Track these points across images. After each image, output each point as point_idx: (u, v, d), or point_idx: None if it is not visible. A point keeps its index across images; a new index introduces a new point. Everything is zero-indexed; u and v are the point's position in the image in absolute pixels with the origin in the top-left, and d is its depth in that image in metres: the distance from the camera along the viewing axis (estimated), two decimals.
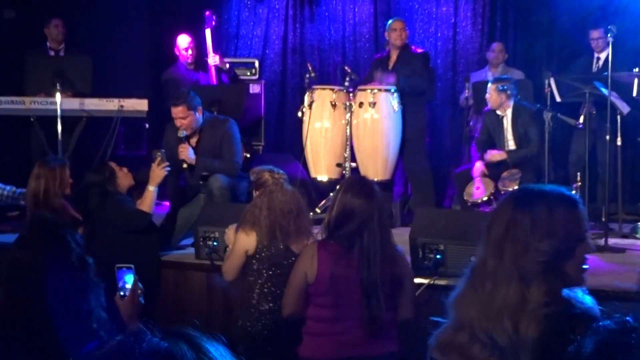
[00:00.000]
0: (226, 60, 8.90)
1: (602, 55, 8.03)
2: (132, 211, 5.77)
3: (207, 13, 8.75)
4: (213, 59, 8.52)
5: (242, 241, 4.58)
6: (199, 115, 6.56)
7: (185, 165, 6.57)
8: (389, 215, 7.88)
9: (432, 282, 5.22)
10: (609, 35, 6.83)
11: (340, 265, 3.83)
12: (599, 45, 8.06)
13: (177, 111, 6.44)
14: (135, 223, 5.76)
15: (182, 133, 6.49)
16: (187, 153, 6.50)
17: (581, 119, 7.42)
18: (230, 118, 6.89)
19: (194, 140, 6.66)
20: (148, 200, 5.82)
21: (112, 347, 1.27)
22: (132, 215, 5.75)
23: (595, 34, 8.11)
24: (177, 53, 8.62)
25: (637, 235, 6.87)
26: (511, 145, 7.61)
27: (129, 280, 3.26)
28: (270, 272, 4.51)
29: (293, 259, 4.39)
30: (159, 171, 5.91)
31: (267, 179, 4.88)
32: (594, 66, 8.20)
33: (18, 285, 2.56)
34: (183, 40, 8.57)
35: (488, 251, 2.26)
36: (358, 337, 3.86)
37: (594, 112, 7.67)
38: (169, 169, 5.98)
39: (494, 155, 7.49)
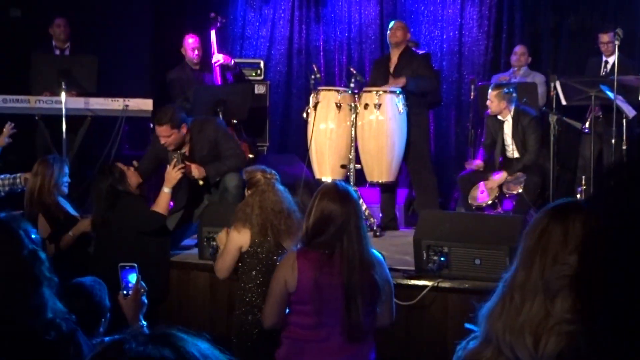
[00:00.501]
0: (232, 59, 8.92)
1: (611, 59, 8.01)
2: (147, 213, 5.77)
3: (212, 14, 8.76)
4: (216, 58, 8.52)
5: (235, 239, 4.75)
6: (184, 131, 6.36)
7: (201, 183, 6.50)
8: (393, 218, 7.91)
9: (436, 284, 5.22)
10: (615, 38, 6.82)
11: (322, 273, 3.78)
12: (608, 49, 8.04)
13: (161, 130, 6.28)
14: (151, 225, 5.78)
15: (176, 157, 6.20)
16: (196, 172, 6.38)
17: (587, 123, 7.41)
18: (214, 118, 6.84)
19: (187, 150, 6.52)
20: (163, 202, 5.81)
21: (94, 357, 1.27)
22: (148, 217, 5.75)
23: (604, 37, 8.09)
24: (184, 53, 8.62)
25: None
26: (513, 150, 7.59)
27: (132, 279, 3.27)
28: (263, 269, 4.67)
29: (280, 250, 4.62)
30: (174, 173, 5.88)
31: (259, 179, 4.93)
32: (602, 70, 8.18)
33: None
34: (190, 41, 8.58)
35: (519, 263, 2.20)
36: (339, 343, 3.82)
37: (600, 116, 7.66)
38: (183, 170, 5.98)
39: (494, 181, 7.47)
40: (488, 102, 7.56)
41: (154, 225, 5.78)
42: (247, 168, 5.37)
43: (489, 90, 7.62)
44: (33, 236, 2.60)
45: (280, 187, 4.84)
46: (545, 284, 2.09)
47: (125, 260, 3.35)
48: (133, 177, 5.90)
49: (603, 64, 8.19)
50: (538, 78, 8.55)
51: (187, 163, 6.31)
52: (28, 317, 2.48)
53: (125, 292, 3.24)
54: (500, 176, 7.46)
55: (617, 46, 7.00)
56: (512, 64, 8.78)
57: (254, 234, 4.69)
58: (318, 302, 3.82)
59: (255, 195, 4.78)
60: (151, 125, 7.25)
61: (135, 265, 3.29)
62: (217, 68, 8.60)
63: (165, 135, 6.28)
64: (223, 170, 6.50)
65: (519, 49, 8.80)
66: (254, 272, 4.70)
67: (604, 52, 8.15)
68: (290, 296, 3.90)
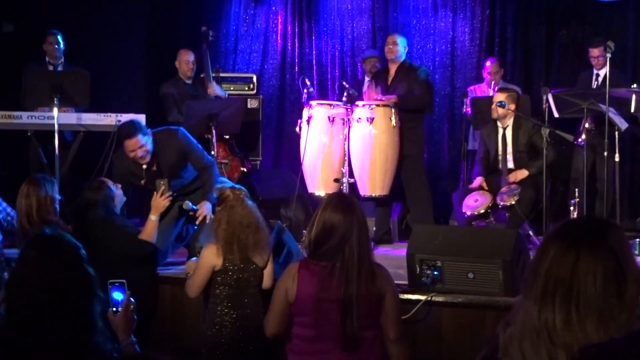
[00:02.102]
0: (222, 75, 8.94)
1: (602, 72, 8.03)
2: (134, 240, 5.69)
3: (203, 28, 8.76)
4: (211, 90, 8.51)
5: (207, 257, 4.76)
6: (151, 137, 6.23)
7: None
8: (387, 232, 7.90)
9: (429, 298, 5.21)
10: (607, 51, 6.84)
11: (322, 286, 3.77)
12: (599, 63, 8.07)
13: (132, 143, 6.06)
14: (137, 252, 5.73)
15: (187, 205, 6.16)
16: (206, 212, 6.16)
17: (583, 136, 7.40)
18: (172, 127, 6.68)
19: (154, 165, 6.33)
20: (150, 230, 5.74)
21: None
22: (134, 243, 5.68)
23: (595, 51, 8.11)
24: (177, 66, 8.62)
25: (636, 252, 6.84)
26: (509, 159, 7.59)
27: (121, 296, 3.26)
28: (232, 283, 4.71)
29: (252, 267, 4.71)
30: (162, 201, 5.83)
31: (228, 195, 4.94)
32: (593, 83, 8.20)
33: (21, 303, 2.54)
34: (185, 55, 8.58)
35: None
36: (337, 356, 3.81)
37: (593, 128, 7.67)
38: (171, 198, 5.91)
39: (517, 174, 7.42)
40: (493, 107, 7.51)
41: (140, 254, 5.74)
42: (218, 186, 5.41)
43: (496, 95, 7.58)
44: (82, 251, 2.60)
45: (249, 202, 4.86)
46: None
47: (110, 277, 3.34)
48: (119, 196, 5.88)
49: (594, 77, 8.21)
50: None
51: (200, 212, 6.12)
52: (78, 336, 2.45)
53: (114, 309, 3.23)
54: (522, 170, 7.40)
55: (608, 59, 7.01)
56: (488, 81, 8.76)
57: (222, 250, 4.72)
58: (316, 315, 3.81)
59: (223, 211, 4.81)
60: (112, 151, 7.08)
61: (125, 281, 3.28)
62: (211, 84, 8.59)
63: (139, 146, 6.08)
64: (212, 187, 6.27)
65: (492, 67, 8.77)
66: (221, 287, 4.74)
67: (594, 65, 8.18)
68: (291, 307, 3.90)
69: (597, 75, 8.16)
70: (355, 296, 3.72)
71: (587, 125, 7.42)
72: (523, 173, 7.39)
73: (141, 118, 7.49)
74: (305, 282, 3.81)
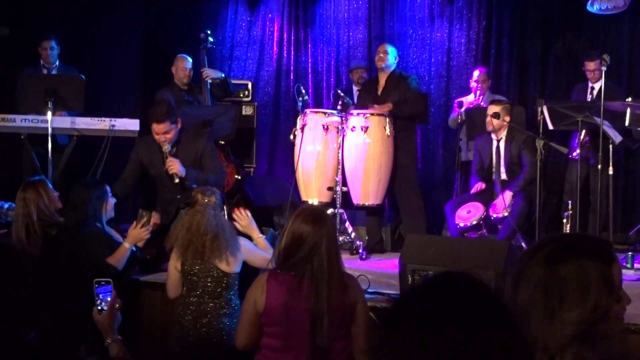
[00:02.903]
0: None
1: (597, 85, 8.04)
2: (100, 262, 5.41)
3: (202, 34, 8.76)
4: (206, 73, 8.50)
5: (171, 259, 5.03)
6: (179, 126, 6.50)
7: (177, 180, 6.40)
8: (379, 241, 7.89)
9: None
10: (602, 64, 6.85)
11: (291, 295, 3.76)
12: (595, 76, 8.06)
13: (160, 127, 6.35)
14: (102, 272, 5.60)
15: (167, 148, 6.40)
16: (178, 167, 6.35)
17: (578, 150, 7.41)
18: (206, 132, 6.88)
19: (175, 149, 6.55)
20: (120, 256, 5.48)
21: None
22: (100, 264, 5.40)
23: (591, 65, 8.11)
24: (174, 72, 8.60)
25: (629, 266, 6.84)
26: (502, 170, 7.60)
27: (107, 295, 3.27)
28: (189, 286, 4.90)
29: (217, 274, 4.86)
30: (141, 232, 5.58)
31: (197, 199, 5.04)
32: (588, 95, 8.21)
33: None
34: (182, 62, 8.55)
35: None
36: None
37: (587, 141, 7.69)
38: (148, 236, 5.70)
39: (501, 202, 7.43)
40: (489, 119, 7.51)
41: (104, 274, 5.64)
42: (197, 187, 5.49)
43: (490, 106, 7.58)
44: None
45: (211, 211, 4.94)
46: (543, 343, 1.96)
47: (87, 277, 3.35)
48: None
49: (589, 90, 8.22)
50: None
51: (173, 160, 6.34)
52: None
53: (99, 307, 3.25)
54: (507, 193, 7.42)
55: (603, 72, 7.01)
56: (475, 90, 8.75)
57: (179, 254, 4.93)
58: (285, 325, 3.79)
59: (187, 216, 5.04)
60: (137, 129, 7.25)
61: (111, 280, 3.30)
62: (206, 89, 8.57)
63: (165, 131, 6.36)
64: (202, 181, 6.35)
65: (481, 76, 8.76)
66: (186, 291, 4.95)
67: (590, 78, 8.18)
68: (260, 317, 3.87)
69: (592, 88, 8.16)
70: (326, 307, 3.71)
71: (582, 138, 7.45)
72: (509, 195, 7.37)
73: (135, 123, 7.51)
74: (274, 292, 3.80)
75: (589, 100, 8.04)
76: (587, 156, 7.72)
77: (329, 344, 3.76)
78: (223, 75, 8.74)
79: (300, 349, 3.78)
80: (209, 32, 8.90)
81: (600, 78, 7.87)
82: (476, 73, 8.79)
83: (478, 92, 8.64)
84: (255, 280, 3.99)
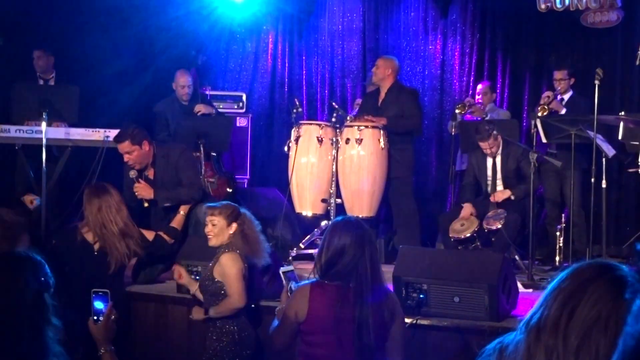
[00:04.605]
0: (210, 92, 8.91)
1: (566, 97, 8.01)
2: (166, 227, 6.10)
3: (193, 53, 8.77)
4: (198, 108, 8.48)
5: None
6: (146, 148, 6.50)
7: (146, 204, 6.50)
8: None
9: (414, 321, 5.19)
10: (596, 78, 6.86)
11: (338, 304, 3.81)
12: (562, 86, 8.00)
13: (122, 147, 6.42)
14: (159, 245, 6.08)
15: (133, 174, 6.46)
16: (145, 192, 6.44)
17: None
18: (182, 145, 6.86)
19: (150, 173, 6.63)
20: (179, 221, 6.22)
21: None
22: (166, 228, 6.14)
23: (557, 74, 8.09)
24: (174, 88, 8.59)
25: None
26: (499, 184, 7.61)
27: (102, 305, 3.28)
28: None
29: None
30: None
31: None
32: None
33: None
34: (181, 78, 8.53)
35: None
36: None
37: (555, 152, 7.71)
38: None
39: (499, 195, 7.47)
40: (487, 145, 7.50)
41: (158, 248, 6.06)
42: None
43: (481, 144, 7.57)
44: (42, 279, 2.55)
45: None
46: None
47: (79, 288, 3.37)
48: None
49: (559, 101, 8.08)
50: (503, 114, 8.62)
51: (138, 185, 6.41)
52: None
53: (95, 317, 3.26)
54: (505, 190, 7.46)
55: (597, 85, 6.96)
56: (477, 102, 8.77)
57: None
58: (328, 333, 3.84)
59: None
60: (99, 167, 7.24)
61: (108, 291, 3.31)
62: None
63: (127, 151, 6.42)
64: (174, 198, 6.47)
65: (482, 88, 8.82)
66: None
67: (558, 89, 8.06)
68: (300, 325, 3.91)
69: (562, 99, 8.09)
70: (371, 313, 3.77)
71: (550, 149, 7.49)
72: (505, 193, 7.44)
73: None
74: (318, 302, 3.84)
75: (564, 112, 7.92)
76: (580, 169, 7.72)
77: (373, 353, 3.81)
78: (214, 111, 8.74)
79: (344, 358, 3.83)
80: (198, 51, 8.92)
81: (567, 88, 7.88)
82: (479, 87, 8.84)
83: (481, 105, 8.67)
84: (298, 289, 4.03)
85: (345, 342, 3.81)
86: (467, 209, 7.47)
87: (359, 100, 8.64)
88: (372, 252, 3.87)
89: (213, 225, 4.86)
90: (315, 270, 3.96)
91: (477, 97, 8.85)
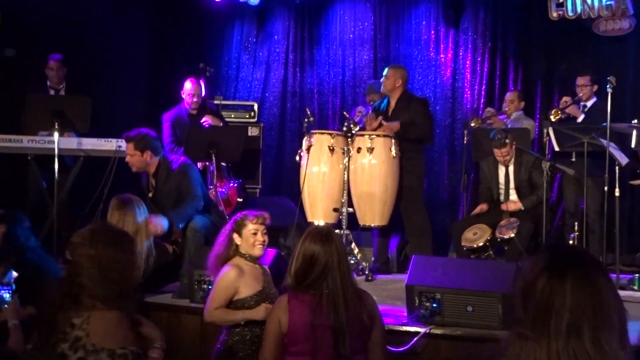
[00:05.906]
0: (223, 103, 8.91)
1: (589, 104, 8.00)
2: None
3: (201, 65, 8.75)
4: (206, 119, 8.48)
5: None
6: (147, 157, 6.57)
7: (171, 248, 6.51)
8: (385, 262, 7.86)
9: (428, 330, 5.17)
10: (608, 86, 6.82)
11: (314, 314, 3.86)
12: (584, 92, 7.98)
13: (126, 147, 6.62)
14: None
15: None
16: (159, 227, 6.20)
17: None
18: (185, 162, 6.83)
19: (151, 193, 6.72)
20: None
21: None
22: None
23: (580, 80, 8.08)
24: (183, 96, 8.59)
25: (635, 287, 6.81)
26: (512, 193, 7.59)
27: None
28: None
29: None
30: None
31: None
32: (580, 114, 8.06)
33: None
34: (189, 86, 8.51)
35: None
36: None
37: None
38: None
39: (511, 205, 7.46)
40: (501, 153, 7.50)
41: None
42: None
43: (497, 146, 7.57)
44: None
45: None
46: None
47: None
48: None
49: (581, 108, 8.09)
50: (526, 123, 8.57)
51: (150, 220, 6.08)
52: None
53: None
54: (516, 202, 7.47)
55: (610, 93, 6.93)
56: (503, 109, 8.77)
57: None
58: (312, 342, 3.88)
59: None
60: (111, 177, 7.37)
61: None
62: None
63: (129, 153, 6.59)
64: (182, 215, 6.46)
65: (509, 95, 8.81)
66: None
67: (580, 95, 8.06)
68: (284, 337, 3.95)
69: (585, 106, 8.08)
70: (346, 320, 3.84)
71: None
72: (517, 204, 7.43)
73: None
74: (297, 312, 3.91)
75: (582, 119, 7.94)
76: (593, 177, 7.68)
77: (352, 358, 3.87)
78: (221, 124, 8.69)
79: None
80: (207, 61, 8.91)
81: (590, 95, 7.86)
82: (507, 94, 8.83)
83: (505, 113, 8.66)
84: (276, 302, 4.12)
85: (324, 351, 3.86)
86: (484, 205, 7.58)
87: (360, 108, 8.59)
88: (340, 260, 3.93)
89: (264, 234, 4.92)
90: (290, 279, 3.98)
91: (503, 104, 8.82)
